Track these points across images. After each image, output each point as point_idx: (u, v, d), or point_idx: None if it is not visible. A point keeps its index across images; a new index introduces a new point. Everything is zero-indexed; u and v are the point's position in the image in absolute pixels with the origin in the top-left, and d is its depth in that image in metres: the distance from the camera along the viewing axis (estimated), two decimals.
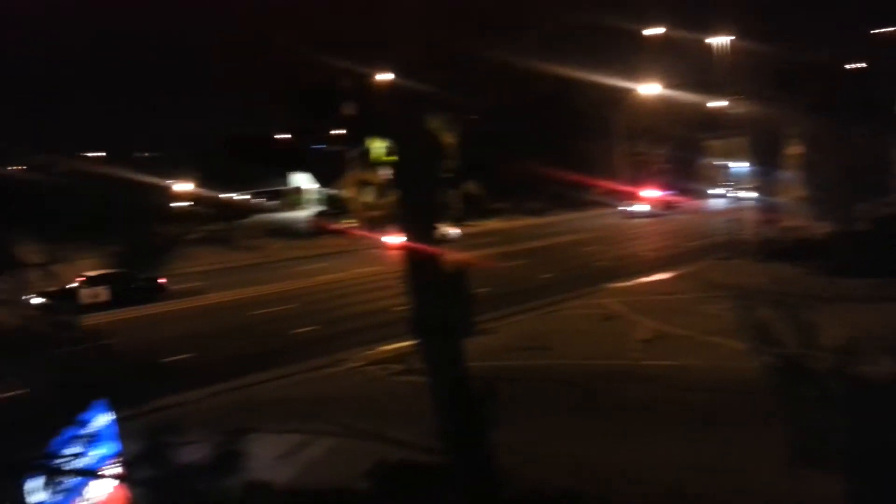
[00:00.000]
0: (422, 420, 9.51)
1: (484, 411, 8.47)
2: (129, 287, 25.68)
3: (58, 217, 6.04)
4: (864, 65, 32.45)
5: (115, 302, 25.37)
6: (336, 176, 59.92)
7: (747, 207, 34.18)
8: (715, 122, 48.37)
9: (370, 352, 18.39)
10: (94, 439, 7.17)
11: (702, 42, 34.76)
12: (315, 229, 50.71)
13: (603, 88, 43.13)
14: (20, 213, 5.98)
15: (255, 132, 62.89)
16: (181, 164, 44.75)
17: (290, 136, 67.04)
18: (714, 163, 58.57)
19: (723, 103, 40.09)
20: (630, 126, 54.62)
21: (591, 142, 53.55)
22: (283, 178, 67.63)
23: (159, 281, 25.92)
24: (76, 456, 6.56)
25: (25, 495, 5.81)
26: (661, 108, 49.24)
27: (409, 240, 8.66)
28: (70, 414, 6.69)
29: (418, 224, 8.74)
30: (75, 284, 24.67)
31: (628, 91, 46.45)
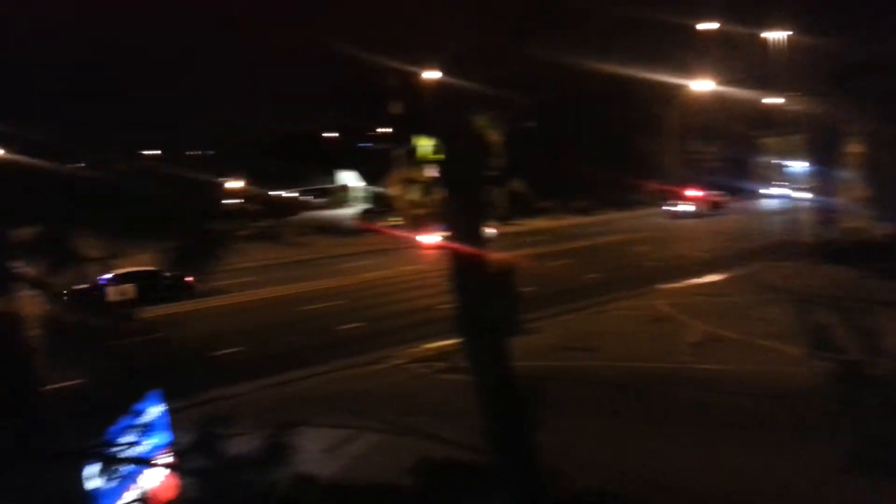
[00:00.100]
0: (466, 418, 9.51)
1: (529, 411, 8.40)
2: (156, 285, 25.88)
3: (117, 213, 6.22)
4: None
5: (142, 300, 25.57)
6: (382, 174, 60.43)
7: (803, 208, 33.09)
8: (770, 119, 46.86)
9: (414, 349, 18.48)
10: (147, 429, 7.39)
11: (757, 37, 33.72)
12: (359, 228, 51.19)
13: (655, 85, 42.27)
14: (81, 209, 6.19)
15: (304, 131, 63.91)
16: (233, 163, 45.80)
17: (337, 134, 67.93)
18: (769, 161, 56.86)
19: (779, 100, 38.81)
20: (682, 123, 53.43)
21: (642, 140, 52.64)
22: (330, 176, 68.51)
23: (186, 280, 26.05)
24: (131, 445, 6.76)
25: (84, 482, 6.02)
26: (714, 104, 47.98)
27: (454, 238, 8.65)
28: (126, 404, 6.91)
29: (464, 223, 8.72)
30: (103, 282, 25.07)
31: (681, 87, 45.39)
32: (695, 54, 39.11)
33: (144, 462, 6.95)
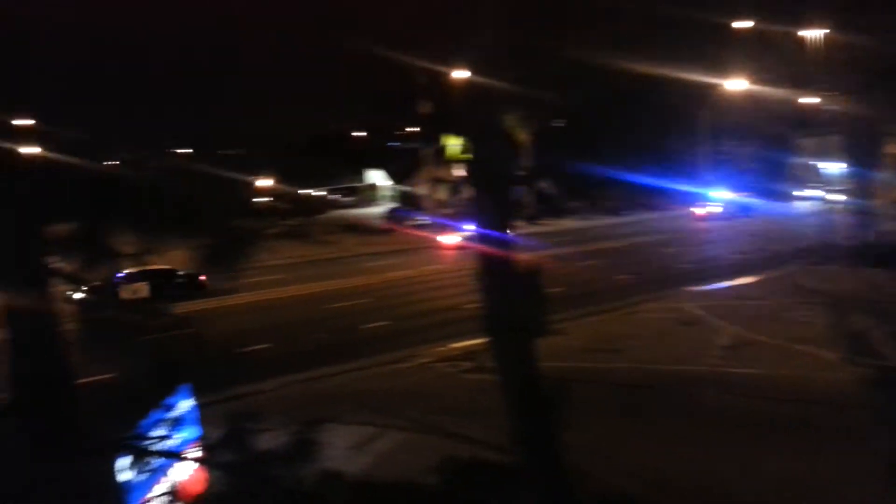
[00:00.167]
0: (491, 418, 9.48)
1: (555, 412, 8.33)
2: (169, 283, 25.98)
3: (150, 211, 6.32)
4: None
5: (155, 298, 25.60)
6: (410, 173, 60.62)
7: (838, 210, 32.34)
8: (807, 119, 45.85)
9: (440, 348, 18.49)
10: (178, 423, 7.50)
11: (794, 34, 33.01)
12: (386, 227, 51.38)
13: (687, 83, 41.59)
14: (115, 206, 6.30)
15: (332, 130, 64.38)
16: (262, 161, 46.29)
17: (365, 133, 68.30)
18: (804, 162, 55.67)
19: (815, 100, 37.93)
20: (715, 123, 52.59)
21: (673, 140, 51.96)
22: (358, 175, 68.95)
23: (200, 278, 26.08)
24: (162, 438, 6.87)
25: (116, 474, 6.12)
26: (748, 104, 47.08)
27: (482, 238, 8.62)
28: (157, 398, 7.02)
29: (492, 222, 8.69)
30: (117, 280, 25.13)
31: (714, 86, 44.61)
32: (729, 52, 38.42)
33: (175, 455, 7.05)
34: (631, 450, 11.01)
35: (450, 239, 40.71)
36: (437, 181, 52.29)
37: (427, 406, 13.97)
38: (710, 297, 22.94)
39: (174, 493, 7.09)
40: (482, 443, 10.89)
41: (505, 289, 8.57)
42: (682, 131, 52.81)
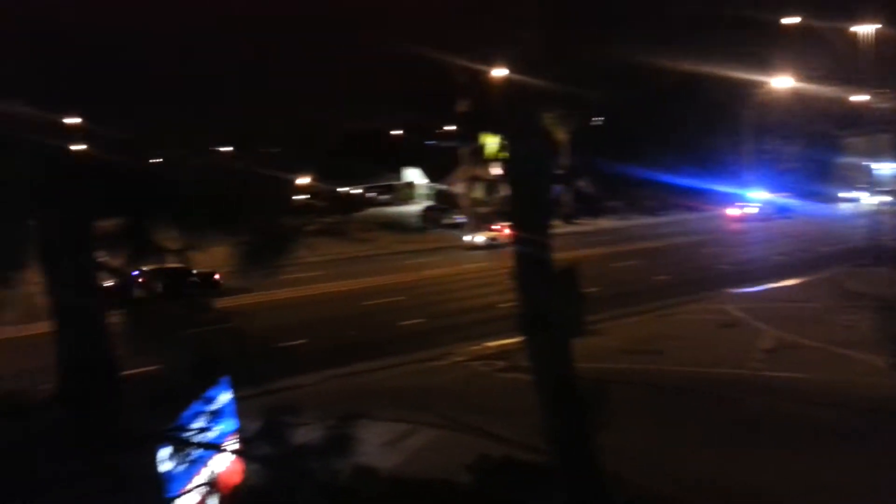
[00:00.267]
0: (525, 417, 9.44)
1: (590, 413, 8.26)
2: (183, 282, 26.16)
3: (193, 208, 6.47)
4: None
5: (168, 296, 25.75)
6: (447, 172, 60.66)
7: (887, 211, 31.31)
8: (856, 117, 44.43)
9: (475, 347, 18.49)
10: (217, 415, 7.66)
11: (843, 31, 32.04)
12: (422, 225, 51.59)
13: (731, 81, 40.70)
14: (159, 203, 6.47)
15: (371, 128, 64.83)
16: (302, 159, 46.90)
17: (403, 132, 68.62)
18: (854, 162, 53.98)
19: (865, 97, 36.73)
20: (760, 122, 51.36)
21: (716, 138, 50.97)
22: (396, 174, 69.30)
23: (214, 277, 26.34)
24: (202, 430, 7.02)
25: (157, 464, 6.29)
26: (795, 102, 45.85)
27: (519, 237, 8.59)
28: (198, 390, 7.18)
29: (530, 221, 8.65)
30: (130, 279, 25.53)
31: (759, 84, 43.54)
32: (776, 49, 37.45)
33: (214, 447, 7.20)
34: (667, 453, 10.85)
35: (477, 238, 40.82)
36: (475, 180, 52.25)
37: (460, 404, 13.99)
38: (751, 299, 22.46)
39: (212, 484, 7.25)
40: (515, 442, 10.86)
41: (542, 288, 8.52)
42: (726, 130, 51.76)
